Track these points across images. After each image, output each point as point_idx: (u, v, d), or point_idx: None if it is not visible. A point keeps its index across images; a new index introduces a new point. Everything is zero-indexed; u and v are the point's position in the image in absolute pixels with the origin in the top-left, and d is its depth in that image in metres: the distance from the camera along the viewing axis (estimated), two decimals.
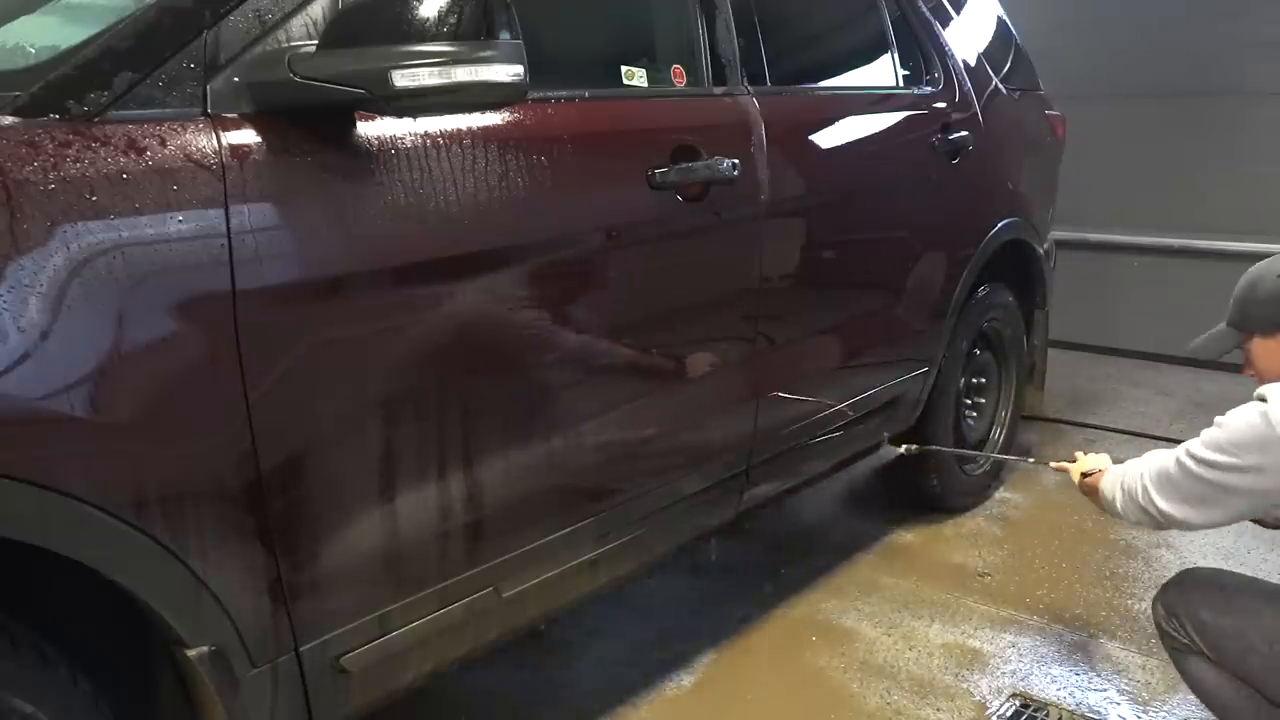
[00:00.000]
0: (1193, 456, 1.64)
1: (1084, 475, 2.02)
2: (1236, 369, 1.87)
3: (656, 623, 2.41)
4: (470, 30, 1.21)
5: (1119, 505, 1.81)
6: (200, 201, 1.15)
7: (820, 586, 2.59)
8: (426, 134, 1.36)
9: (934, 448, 2.69)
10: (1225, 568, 2.23)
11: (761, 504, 2.27)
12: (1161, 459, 1.73)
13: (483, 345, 1.50)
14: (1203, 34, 4.28)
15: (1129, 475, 1.80)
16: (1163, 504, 1.69)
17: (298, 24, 1.27)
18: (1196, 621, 1.75)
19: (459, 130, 1.40)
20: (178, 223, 1.12)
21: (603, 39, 1.96)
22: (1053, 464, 2.26)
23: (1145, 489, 1.72)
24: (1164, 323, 4.56)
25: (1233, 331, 1.81)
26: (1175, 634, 1.80)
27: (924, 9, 2.74)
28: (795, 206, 2.10)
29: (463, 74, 1.20)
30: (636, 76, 1.85)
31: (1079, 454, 2.15)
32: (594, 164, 1.65)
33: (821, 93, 2.42)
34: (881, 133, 2.43)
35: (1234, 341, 1.81)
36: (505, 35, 1.23)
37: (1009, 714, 2.07)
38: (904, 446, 2.60)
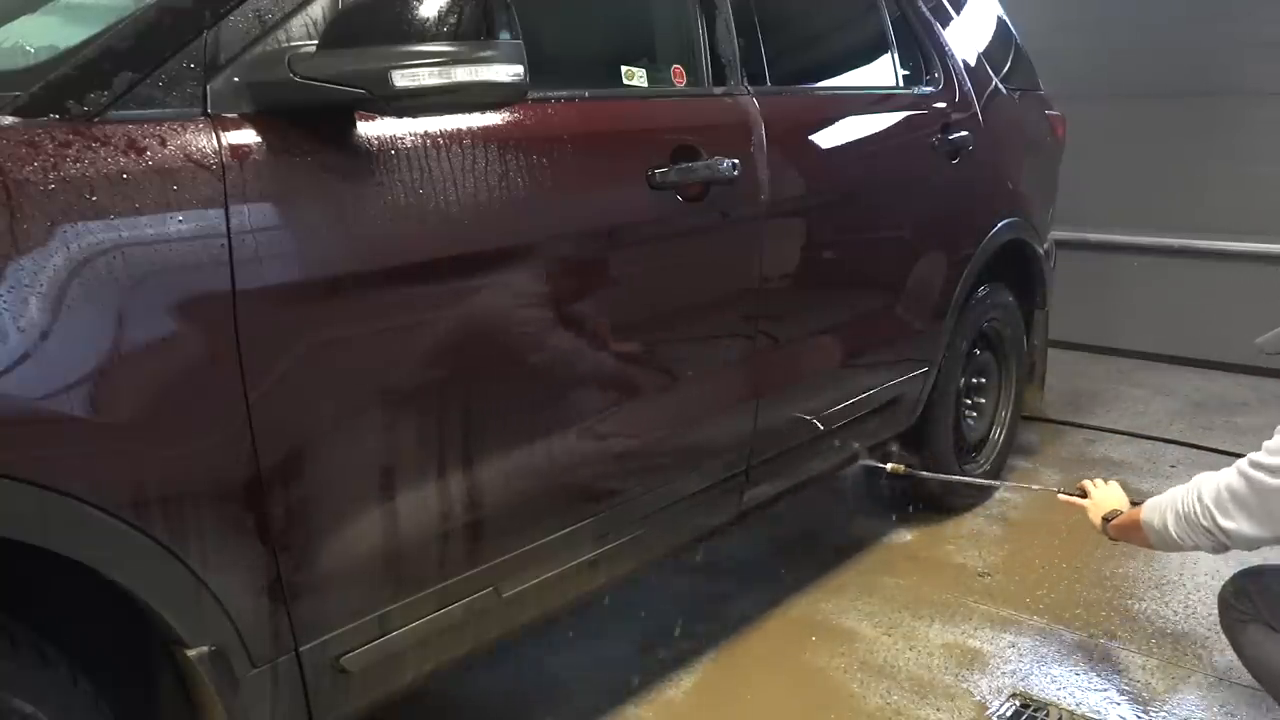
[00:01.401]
0: (1258, 465, 1.62)
1: (1106, 519, 2.01)
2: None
3: (657, 623, 2.41)
4: (470, 30, 1.21)
5: (1173, 532, 1.78)
6: (200, 201, 1.15)
7: (820, 586, 2.58)
8: (426, 134, 1.36)
9: (925, 473, 2.50)
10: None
11: (762, 504, 2.27)
12: (1216, 478, 1.71)
13: (483, 345, 1.50)
14: (1203, 34, 4.28)
15: (1179, 500, 1.77)
16: (1226, 521, 1.67)
17: (298, 24, 1.27)
18: (1269, 593, 1.78)
19: (459, 130, 1.40)
20: (178, 223, 1.12)
21: (603, 39, 1.96)
22: (1060, 495, 2.24)
23: (1206, 510, 1.69)
24: (1164, 323, 4.57)
25: None
26: (1240, 607, 1.82)
27: (924, 9, 2.74)
28: (795, 206, 2.10)
29: (463, 74, 1.20)
30: (636, 76, 1.85)
31: (1087, 483, 2.15)
32: (594, 164, 1.65)
33: (821, 93, 2.42)
34: (881, 133, 2.43)
35: None
36: (505, 35, 1.24)
37: (1009, 714, 2.07)
38: (890, 465, 2.45)
